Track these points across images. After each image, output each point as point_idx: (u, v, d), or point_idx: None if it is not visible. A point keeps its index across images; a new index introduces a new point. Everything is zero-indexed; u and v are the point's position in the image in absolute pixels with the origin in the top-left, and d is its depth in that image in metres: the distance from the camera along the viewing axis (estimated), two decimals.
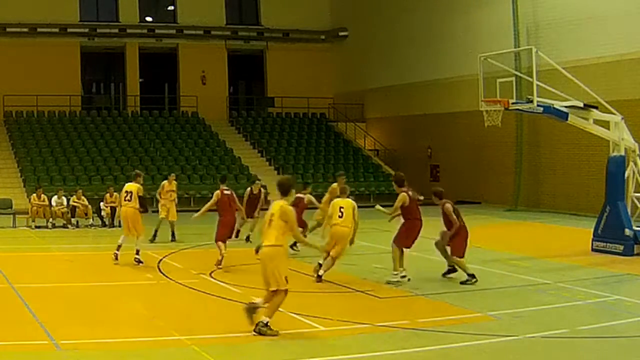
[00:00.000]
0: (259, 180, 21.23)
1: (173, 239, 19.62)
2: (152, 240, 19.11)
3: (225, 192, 15.58)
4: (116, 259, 15.66)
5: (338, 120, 40.19)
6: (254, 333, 9.59)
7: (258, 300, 9.84)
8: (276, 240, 9.77)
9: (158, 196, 20.40)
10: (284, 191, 10.10)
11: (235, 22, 40.71)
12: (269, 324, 9.65)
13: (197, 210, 15.87)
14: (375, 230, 21.97)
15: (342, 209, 13.89)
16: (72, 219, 23.37)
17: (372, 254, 17.35)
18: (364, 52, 38.98)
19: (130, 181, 16.62)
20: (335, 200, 14.38)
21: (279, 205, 9.93)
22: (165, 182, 20.86)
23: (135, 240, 15.78)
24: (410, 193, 13.81)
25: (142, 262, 15.52)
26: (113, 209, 23.54)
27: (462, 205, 31.06)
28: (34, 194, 23.62)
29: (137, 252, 15.61)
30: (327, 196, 17.01)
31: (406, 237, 13.72)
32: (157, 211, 20.27)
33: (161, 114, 38.75)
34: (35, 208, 23.07)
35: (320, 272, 13.68)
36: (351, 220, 13.83)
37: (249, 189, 20.21)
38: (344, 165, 35.95)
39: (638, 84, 24.68)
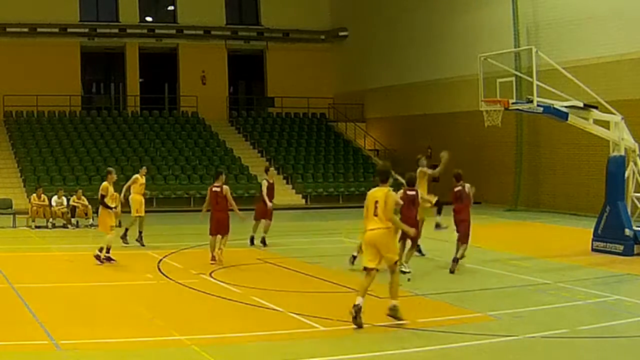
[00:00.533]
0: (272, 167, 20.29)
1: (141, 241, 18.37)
2: (141, 243, 18.35)
3: (214, 189, 15.90)
4: (109, 260, 15.51)
5: (338, 120, 40.20)
6: (390, 317, 10.26)
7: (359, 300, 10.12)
8: (384, 223, 10.24)
9: (126, 191, 18.73)
10: (385, 178, 10.57)
11: (235, 22, 40.72)
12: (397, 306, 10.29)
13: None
14: None
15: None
16: (72, 219, 23.38)
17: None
18: (364, 52, 38.98)
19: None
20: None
21: (383, 191, 10.35)
22: (137, 175, 19.27)
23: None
24: (408, 192, 14.32)
25: (112, 260, 15.36)
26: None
27: None
28: (34, 194, 23.64)
29: (101, 250, 15.41)
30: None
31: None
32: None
33: (161, 114, 38.76)
34: (35, 208, 23.08)
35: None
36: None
37: (264, 180, 19.12)
38: (344, 165, 36.01)
39: (638, 84, 24.65)
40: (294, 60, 40.21)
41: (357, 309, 9.99)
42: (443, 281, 13.91)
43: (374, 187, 10.60)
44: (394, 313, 10.26)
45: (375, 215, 10.25)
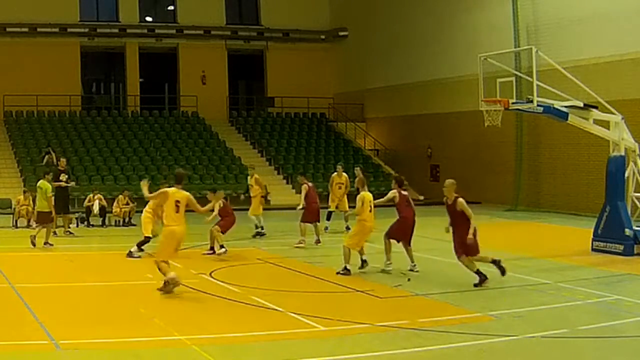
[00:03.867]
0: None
1: None
2: None
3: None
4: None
5: (338, 120, 40.20)
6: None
7: None
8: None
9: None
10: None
11: (235, 22, 40.73)
12: None
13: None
14: (376, 230, 21.91)
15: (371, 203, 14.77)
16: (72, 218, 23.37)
17: (372, 254, 17.34)
18: (364, 52, 38.98)
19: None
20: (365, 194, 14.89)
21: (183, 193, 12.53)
22: None
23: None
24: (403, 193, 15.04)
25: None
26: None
27: None
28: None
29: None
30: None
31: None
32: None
33: (161, 114, 38.75)
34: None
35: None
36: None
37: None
38: (344, 165, 35.95)
39: (638, 84, 24.66)
40: (294, 60, 40.22)
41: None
42: (443, 281, 13.92)
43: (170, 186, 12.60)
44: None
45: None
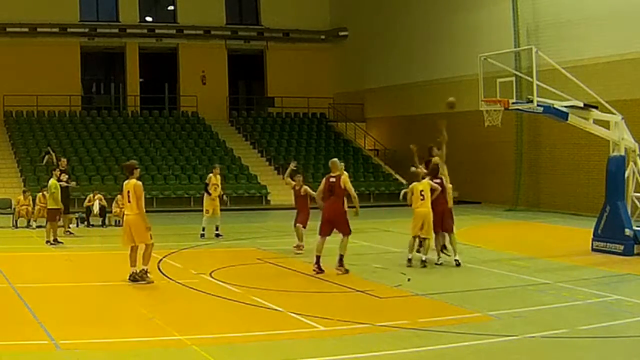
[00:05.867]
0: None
1: None
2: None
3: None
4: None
5: (338, 120, 40.21)
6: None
7: None
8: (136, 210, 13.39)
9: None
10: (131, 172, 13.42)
11: (235, 22, 40.74)
12: None
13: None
14: (376, 230, 21.99)
15: (422, 192, 15.27)
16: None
17: (372, 253, 17.36)
18: (364, 52, 38.98)
19: None
20: (414, 184, 15.51)
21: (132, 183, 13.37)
22: (211, 175, 20.97)
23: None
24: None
25: None
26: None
27: (462, 205, 31.16)
28: (40, 194, 23.53)
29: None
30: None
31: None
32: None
33: (161, 114, 38.76)
34: (38, 207, 23.09)
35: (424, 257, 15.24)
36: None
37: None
38: (344, 165, 35.97)
39: (638, 84, 24.66)
40: (294, 60, 40.23)
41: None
42: (443, 281, 13.92)
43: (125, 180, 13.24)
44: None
45: (129, 202, 13.01)
